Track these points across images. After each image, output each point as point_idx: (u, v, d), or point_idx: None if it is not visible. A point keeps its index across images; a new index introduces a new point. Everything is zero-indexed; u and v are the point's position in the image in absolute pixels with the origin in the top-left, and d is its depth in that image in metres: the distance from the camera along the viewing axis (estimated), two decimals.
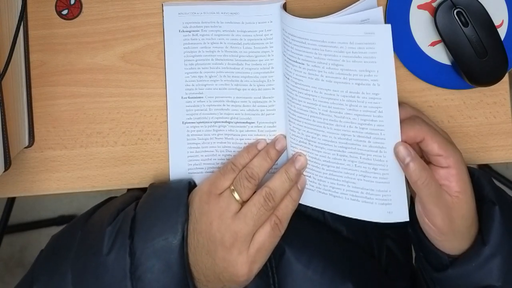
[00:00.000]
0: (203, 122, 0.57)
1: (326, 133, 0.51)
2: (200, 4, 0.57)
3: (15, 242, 1.40)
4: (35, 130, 0.59)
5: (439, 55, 0.57)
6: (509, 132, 0.58)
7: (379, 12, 0.49)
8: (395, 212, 0.51)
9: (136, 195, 0.58)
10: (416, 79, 0.58)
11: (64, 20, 0.60)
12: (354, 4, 0.50)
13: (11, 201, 1.28)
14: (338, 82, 0.49)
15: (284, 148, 0.55)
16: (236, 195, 0.50)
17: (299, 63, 0.51)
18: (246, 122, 0.57)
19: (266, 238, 0.49)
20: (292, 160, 0.53)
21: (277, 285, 0.55)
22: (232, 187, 0.51)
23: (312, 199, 0.54)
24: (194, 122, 0.57)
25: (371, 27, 0.48)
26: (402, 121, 0.49)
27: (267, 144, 0.55)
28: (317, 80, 0.50)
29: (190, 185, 0.55)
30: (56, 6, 0.60)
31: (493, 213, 0.50)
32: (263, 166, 0.52)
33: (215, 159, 0.57)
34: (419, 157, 0.48)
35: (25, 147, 0.59)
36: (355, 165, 0.51)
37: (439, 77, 0.57)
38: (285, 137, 0.55)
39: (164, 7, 0.58)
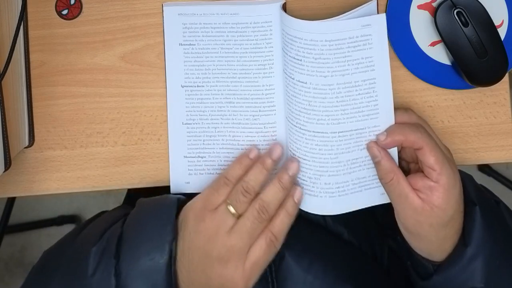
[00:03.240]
0: (203, 123, 0.57)
1: (326, 132, 0.51)
2: (200, 4, 0.57)
3: (15, 242, 1.39)
4: (35, 130, 0.59)
5: (439, 55, 0.57)
6: (509, 132, 0.58)
7: (383, 18, 0.50)
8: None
9: (124, 211, 0.57)
10: (416, 79, 0.58)
11: (64, 20, 0.60)
12: (354, 10, 0.51)
13: (11, 201, 1.28)
14: (336, 75, 0.50)
15: (280, 157, 0.53)
16: (231, 209, 0.49)
17: (297, 59, 0.51)
18: (247, 123, 0.57)
19: (261, 254, 0.49)
20: (285, 167, 0.52)
21: None
22: (228, 201, 0.50)
23: (309, 204, 0.53)
24: (194, 123, 0.57)
25: (367, 19, 0.49)
26: (406, 125, 0.50)
27: (262, 154, 0.53)
28: (316, 76, 0.50)
29: (179, 201, 0.54)
30: (56, 6, 0.60)
31: (473, 214, 0.50)
32: (258, 179, 0.51)
33: (216, 160, 0.57)
34: (389, 159, 0.50)
35: (25, 147, 0.59)
36: (352, 161, 0.52)
37: (439, 77, 0.57)
38: (281, 145, 0.54)
39: (164, 8, 0.58)
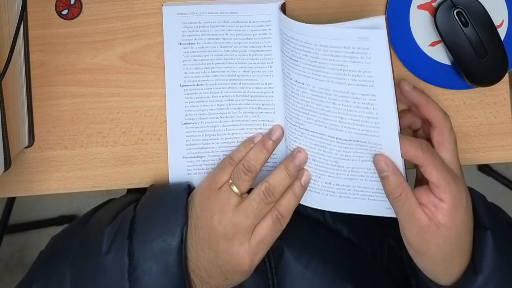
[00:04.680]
0: (202, 122, 0.57)
1: (324, 134, 0.51)
2: (199, 4, 0.57)
3: (15, 242, 1.39)
4: (35, 130, 0.59)
5: (439, 55, 0.57)
6: (509, 132, 0.58)
7: (383, 33, 0.47)
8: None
9: (135, 197, 0.58)
10: (416, 79, 0.58)
11: (64, 20, 0.60)
12: (360, 20, 0.49)
13: (11, 201, 1.28)
14: (332, 82, 0.49)
15: (280, 138, 0.54)
16: (234, 188, 0.50)
17: (294, 60, 0.51)
18: (246, 120, 0.57)
19: (267, 231, 0.50)
20: (292, 156, 0.52)
21: (276, 286, 0.55)
22: (231, 181, 0.51)
23: (310, 199, 0.54)
24: (194, 123, 0.57)
25: (365, 32, 0.46)
26: (407, 138, 0.48)
27: (263, 136, 0.55)
28: (312, 79, 0.50)
29: (190, 188, 0.55)
30: (56, 6, 0.60)
31: (485, 239, 0.48)
32: (259, 158, 0.52)
33: (214, 160, 0.57)
34: (398, 173, 0.47)
35: (25, 147, 0.59)
36: (352, 169, 0.51)
37: (439, 77, 0.57)
38: (281, 127, 0.55)
39: (163, 7, 0.58)
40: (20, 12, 0.56)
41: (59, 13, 0.60)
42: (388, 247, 0.63)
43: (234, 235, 0.49)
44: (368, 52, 0.47)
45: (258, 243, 0.49)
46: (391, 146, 0.48)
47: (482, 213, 0.50)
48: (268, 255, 0.56)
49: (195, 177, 0.57)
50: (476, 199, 0.51)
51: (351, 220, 0.59)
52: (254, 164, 0.52)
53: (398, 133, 0.48)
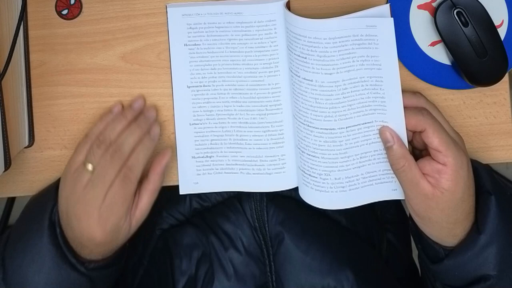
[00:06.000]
0: (210, 123, 0.57)
1: (334, 128, 0.51)
2: (203, 4, 0.57)
3: None
4: (35, 130, 0.59)
5: (439, 55, 0.57)
6: (509, 132, 0.58)
7: (391, 22, 0.50)
8: (399, 189, 0.52)
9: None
10: (416, 79, 0.58)
11: (64, 20, 0.60)
12: (365, 10, 0.51)
13: (11, 201, 1.28)
14: (341, 72, 0.50)
15: (142, 107, 0.55)
16: (89, 166, 0.50)
17: (302, 57, 0.51)
18: (254, 122, 0.56)
19: (115, 193, 0.49)
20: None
21: (274, 273, 0.55)
22: (86, 159, 0.51)
23: (320, 200, 0.54)
24: (202, 123, 0.57)
25: (373, 20, 0.49)
26: (409, 108, 0.50)
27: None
28: (321, 74, 0.50)
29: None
30: (56, 6, 0.60)
31: (489, 203, 0.50)
32: (115, 128, 0.52)
33: (224, 160, 0.57)
34: (402, 144, 0.50)
35: (25, 147, 0.59)
36: (361, 155, 0.52)
37: (439, 77, 0.57)
38: (143, 97, 0.55)
39: (168, 9, 0.58)
40: (20, 12, 0.56)
41: (59, 13, 0.60)
42: (387, 241, 0.63)
43: (83, 210, 0.49)
44: (376, 39, 0.50)
45: (107, 208, 0.49)
46: (397, 121, 0.50)
47: (486, 180, 0.52)
48: (266, 242, 0.56)
49: (205, 177, 0.57)
50: (480, 169, 0.53)
51: (350, 213, 0.60)
52: (109, 135, 0.50)
53: (403, 108, 0.50)
